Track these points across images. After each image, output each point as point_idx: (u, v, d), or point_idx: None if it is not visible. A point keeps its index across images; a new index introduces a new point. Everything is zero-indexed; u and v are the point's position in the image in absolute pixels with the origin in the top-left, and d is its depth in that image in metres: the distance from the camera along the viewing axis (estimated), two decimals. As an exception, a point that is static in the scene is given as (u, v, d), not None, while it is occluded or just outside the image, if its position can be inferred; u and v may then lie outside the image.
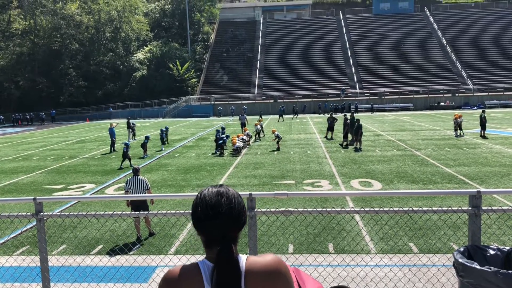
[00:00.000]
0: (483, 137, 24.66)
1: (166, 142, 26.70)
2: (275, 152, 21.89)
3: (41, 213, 4.96)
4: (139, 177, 9.83)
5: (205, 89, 64.53)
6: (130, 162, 19.31)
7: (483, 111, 25.69)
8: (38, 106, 60.85)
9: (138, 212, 5.24)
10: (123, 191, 10.01)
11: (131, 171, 14.86)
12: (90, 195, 14.12)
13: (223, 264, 1.86)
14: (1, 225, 10.22)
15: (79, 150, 25.97)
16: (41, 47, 65.25)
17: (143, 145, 22.54)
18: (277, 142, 23.39)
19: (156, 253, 8.60)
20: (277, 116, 48.12)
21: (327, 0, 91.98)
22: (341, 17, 78.68)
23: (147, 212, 5.84)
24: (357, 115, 25.85)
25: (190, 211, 1.99)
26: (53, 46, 65.57)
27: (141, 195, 9.59)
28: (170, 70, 62.59)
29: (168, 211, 4.71)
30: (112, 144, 24.68)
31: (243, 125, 31.86)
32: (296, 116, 48.84)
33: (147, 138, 22.98)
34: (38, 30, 65.88)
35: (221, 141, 22.08)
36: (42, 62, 64.34)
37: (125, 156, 19.20)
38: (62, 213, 5.04)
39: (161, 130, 26.21)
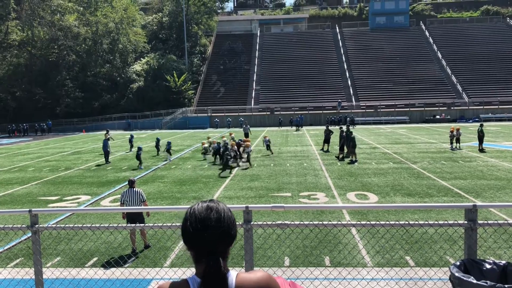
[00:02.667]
0: (481, 150, 24.75)
1: (158, 153, 27.12)
2: (272, 164, 21.89)
3: (37, 225, 4.94)
4: (135, 189, 9.80)
5: (201, 101, 64.69)
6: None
7: (481, 125, 25.82)
8: (35, 117, 60.72)
9: (134, 225, 5.22)
10: (119, 203, 9.96)
11: (126, 182, 14.81)
12: (85, 206, 14.05)
13: (209, 279, 1.86)
14: (-5, 237, 10.13)
15: (75, 161, 25.88)
16: (38, 58, 65.35)
17: (138, 157, 22.53)
18: (268, 149, 23.40)
19: (152, 266, 8.55)
20: (293, 128, 50.30)
21: (324, 14, 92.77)
22: (338, 30, 79.36)
23: (143, 224, 5.81)
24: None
25: None
26: (50, 58, 65.66)
27: (136, 207, 9.55)
28: (167, 82, 62.75)
29: (164, 224, 4.70)
30: (106, 155, 24.64)
31: (246, 135, 33.74)
32: (297, 128, 49.34)
33: (139, 149, 22.78)
34: (36, 41, 66.00)
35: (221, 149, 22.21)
36: (39, 73, 64.40)
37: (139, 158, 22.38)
38: (58, 225, 5.02)
39: (157, 139, 27.38)
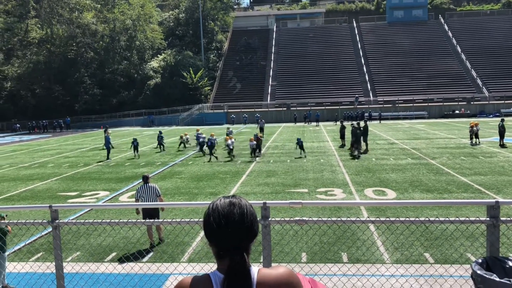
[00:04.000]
0: (502, 146, 24.30)
1: (162, 148, 28.16)
2: (288, 160, 21.85)
3: (57, 221, 5.00)
4: (149, 184, 9.94)
5: (218, 97, 64.83)
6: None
7: (502, 120, 25.34)
8: (54, 113, 61.66)
9: (152, 221, 5.25)
10: (134, 199, 10.08)
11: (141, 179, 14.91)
12: (104, 202, 14.22)
13: (234, 275, 1.85)
14: (18, 232, 10.33)
15: (94, 157, 26.20)
16: (57, 55, 66.26)
17: (135, 147, 25.35)
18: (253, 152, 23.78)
19: (170, 261, 8.60)
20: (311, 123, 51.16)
21: (340, 8, 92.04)
22: (355, 25, 78.62)
23: (161, 220, 5.84)
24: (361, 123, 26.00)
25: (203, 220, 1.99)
26: (69, 55, 66.55)
27: (154, 203, 9.64)
28: (184, 78, 63.03)
29: (182, 219, 4.71)
30: (108, 151, 25.20)
31: (261, 129, 35.39)
32: (315, 124, 50.09)
33: (135, 140, 25.68)
34: (55, 39, 66.95)
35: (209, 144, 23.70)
36: (58, 71, 65.32)
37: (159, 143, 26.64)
38: (78, 220, 5.07)
39: (159, 133, 28.95)
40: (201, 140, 26.19)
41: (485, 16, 78.16)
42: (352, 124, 25.48)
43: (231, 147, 23.55)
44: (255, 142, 23.23)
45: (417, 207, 11.63)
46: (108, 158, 24.95)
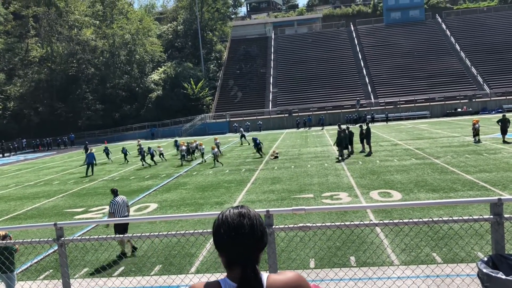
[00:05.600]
0: (505, 142, 24.22)
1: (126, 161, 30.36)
2: (292, 166, 21.84)
3: (62, 238, 5.03)
4: (120, 197, 10.55)
5: (220, 107, 65.01)
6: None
7: (504, 116, 25.31)
8: (57, 131, 61.94)
9: (156, 234, 5.27)
10: (109, 213, 10.28)
11: (149, 191, 14.94)
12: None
13: (247, 285, 1.87)
14: (25, 251, 10.36)
15: (98, 172, 26.26)
16: (58, 73, 66.67)
17: (107, 154, 31.39)
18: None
19: (177, 273, 8.60)
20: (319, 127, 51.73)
21: (337, 13, 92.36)
22: (352, 28, 78.83)
23: (166, 233, 5.88)
24: (364, 126, 26.00)
25: (208, 230, 2.01)
26: (69, 72, 66.95)
27: (158, 216, 9.68)
28: (185, 90, 63.30)
29: (187, 231, 4.73)
30: (92, 167, 25.42)
31: (243, 137, 38.01)
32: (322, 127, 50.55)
33: (106, 148, 31.83)
34: (55, 56, 67.40)
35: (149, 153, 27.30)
36: (59, 88, 65.71)
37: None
38: (83, 237, 5.10)
39: (124, 150, 30.74)
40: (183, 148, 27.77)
41: (482, 13, 78.24)
42: (347, 126, 25.73)
43: (183, 153, 26.91)
44: (217, 150, 25.43)
45: (423, 207, 11.60)
46: (91, 174, 25.16)
